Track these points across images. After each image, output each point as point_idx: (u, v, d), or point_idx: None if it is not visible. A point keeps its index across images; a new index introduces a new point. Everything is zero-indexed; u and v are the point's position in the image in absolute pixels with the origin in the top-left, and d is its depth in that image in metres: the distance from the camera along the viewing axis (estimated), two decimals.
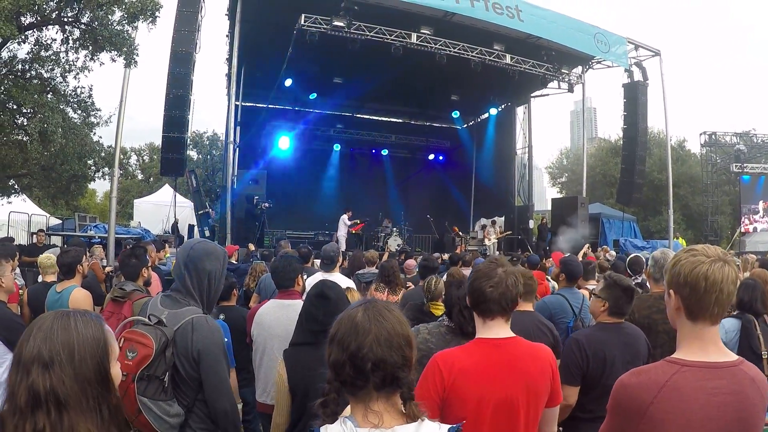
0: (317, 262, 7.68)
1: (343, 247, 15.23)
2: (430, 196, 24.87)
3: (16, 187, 16.59)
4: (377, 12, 14.70)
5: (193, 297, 2.55)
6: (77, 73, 12.96)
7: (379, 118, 25.55)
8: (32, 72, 12.75)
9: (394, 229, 18.48)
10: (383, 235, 18.13)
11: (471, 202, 25.26)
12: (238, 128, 17.37)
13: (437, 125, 26.33)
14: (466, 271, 5.39)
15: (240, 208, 14.80)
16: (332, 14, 14.21)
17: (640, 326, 3.30)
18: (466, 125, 25.77)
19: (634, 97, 19.77)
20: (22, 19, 10.91)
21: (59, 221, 19.51)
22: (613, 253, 14.12)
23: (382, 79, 19.18)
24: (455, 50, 15.93)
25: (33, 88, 11.95)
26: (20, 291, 5.62)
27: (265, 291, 5.54)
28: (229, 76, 16.80)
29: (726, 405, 1.55)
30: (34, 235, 13.25)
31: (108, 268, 7.81)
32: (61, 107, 13.12)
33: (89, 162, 15.57)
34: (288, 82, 18.48)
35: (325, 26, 14.31)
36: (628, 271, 6.28)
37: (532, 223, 21.65)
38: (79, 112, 14.44)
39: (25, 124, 12.58)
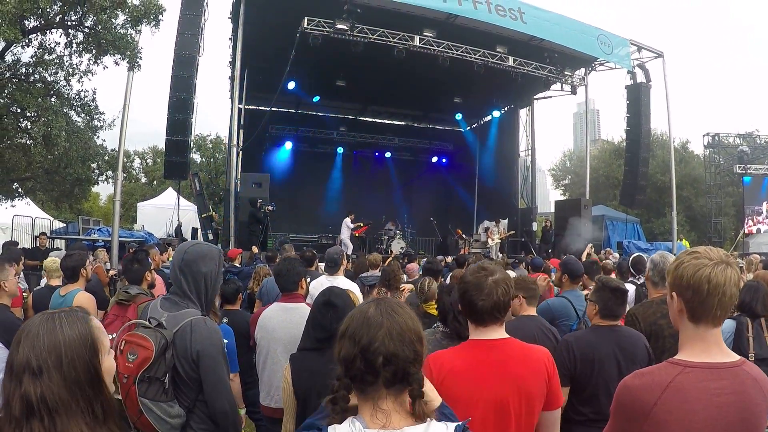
0: (321, 265, 7.70)
1: (349, 250, 15.23)
2: (433, 199, 24.91)
3: (19, 190, 16.62)
4: (380, 15, 14.73)
5: (190, 299, 2.58)
6: (81, 77, 12.98)
7: (382, 121, 25.61)
8: (36, 76, 12.78)
9: (398, 232, 18.47)
10: (387, 238, 18.12)
11: (474, 204, 25.24)
12: (242, 131, 17.40)
13: (440, 128, 26.39)
14: None
15: (243, 211, 14.81)
16: (335, 17, 14.24)
17: (647, 334, 3.30)
18: (469, 128, 25.79)
19: (637, 98, 19.75)
20: (26, 22, 10.96)
21: (63, 225, 19.55)
22: (617, 255, 14.08)
23: (385, 82, 19.23)
24: (458, 53, 15.95)
25: (37, 92, 11.99)
26: (24, 294, 5.64)
27: (267, 296, 5.55)
28: (232, 79, 16.86)
29: (729, 405, 1.55)
30: (37, 239, 13.27)
31: (112, 272, 7.83)
32: (65, 111, 13.18)
33: (93, 165, 15.59)
34: (291, 85, 18.51)
35: (328, 29, 14.34)
36: (632, 270, 6.23)
37: (535, 226, 21.63)
38: (83, 115, 14.48)
39: (28, 127, 12.61)
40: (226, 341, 2.76)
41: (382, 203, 21.57)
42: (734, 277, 1.60)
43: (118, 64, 11.88)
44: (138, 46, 11.72)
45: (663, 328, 3.47)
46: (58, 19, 11.35)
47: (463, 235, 19.14)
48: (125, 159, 27.58)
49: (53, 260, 5.17)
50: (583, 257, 9.80)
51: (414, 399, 1.43)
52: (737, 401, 1.56)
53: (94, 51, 11.87)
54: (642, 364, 2.94)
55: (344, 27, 14.31)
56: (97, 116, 14.89)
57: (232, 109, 16.67)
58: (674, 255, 3.57)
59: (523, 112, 23.06)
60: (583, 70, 19.46)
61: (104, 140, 16.50)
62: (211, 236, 16.94)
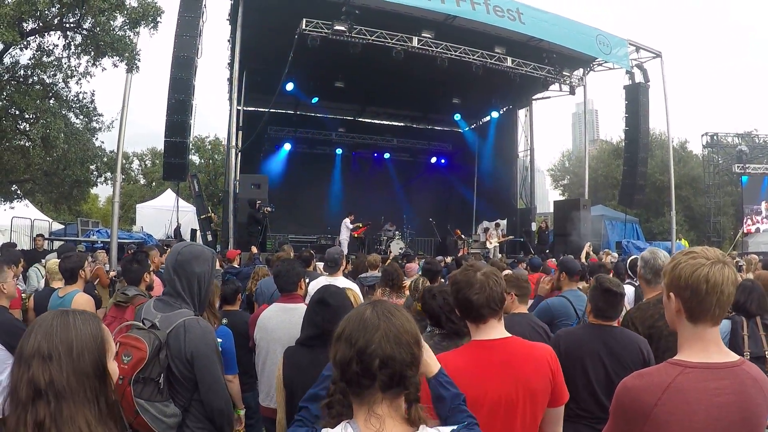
0: (320, 265, 7.70)
1: (345, 251, 15.22)
2: (432, 200, 24.90)
3: (18, 192, 16.59)
4: (378, 16, 14.75)
5: (184, 300, 2.59)
6: (79, 79, 12.96)
7: (381, 122, 25.63)
8: (34, 78, 12.77)
9: (397, 232, 18.48)
10: (386, 238, 18.12)
11: (473, 205, 25.25)
12: (240, 133, 17.40)
13: (439, 128, 26.43)
14: None
15: (242, 212, 14.81)
16: (333, 18, 14.26)
17: (647, 337, 3.28)
18: (468, 128, 25.81)
19: (636, 98, 19.79)
20: (24, 25, 10.94)
21: (62, 226, 19.52)
22: (615, 255, 14.08)
23: (383, 83, 19.25)
24: (456, 53, 15.97)
25: (35, 94, 11.99)
26: (23, 296, 5.64)
27: (262, 297, 5.54)
28: (230, 80, 16.87)
29: (729, 405, 1.55)
30: (34, 241, 13.27)
31: (112, 273, 7.83)
32: (64, 113, 13.15)
33: (91, 167, 15.56)
34: (290, 87, 18.53)
35: (326, 31, 14.36)
36: (629, 272, 6.21)
37: (534, 226, 21.64)
38: (82, 117, 14.44)
39: (27, 129, 12.60)
40: (221, 341, 2.77)
41: (381, 204, 21.57)
42: (732, 276, 1.60)
43: (117, 66, 11.87)
44: (136, 48, 11.72)
45: (662, 329, 3.45)
46: (56, 21, 11.33)
47: (462, 236, 19.16)
48: (124, 160, 27.52)
49: (55, 262, 5.16)
50: (582, 256, 9.79)
51: (410, 404, 1.42)
52: (737, 401, 1.56)
53: (92, 53, 11.85)
54: (634, 367, 2.92)
55: (342, 28, 14.32)
56: (95, 118, 14.87)
57: (230, 110, 16.68)
58: (670, 254, 3.58)
59: (521, 113, 23.12)
60: (581, 70, 19.51)
61: (103, 142, 16.51)
62: (210, 237, 16.94)
